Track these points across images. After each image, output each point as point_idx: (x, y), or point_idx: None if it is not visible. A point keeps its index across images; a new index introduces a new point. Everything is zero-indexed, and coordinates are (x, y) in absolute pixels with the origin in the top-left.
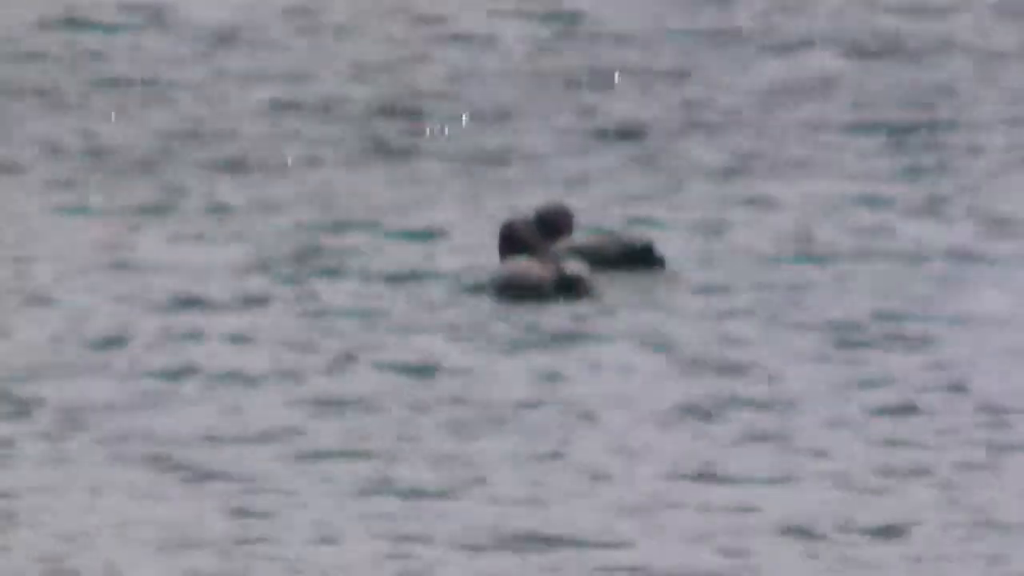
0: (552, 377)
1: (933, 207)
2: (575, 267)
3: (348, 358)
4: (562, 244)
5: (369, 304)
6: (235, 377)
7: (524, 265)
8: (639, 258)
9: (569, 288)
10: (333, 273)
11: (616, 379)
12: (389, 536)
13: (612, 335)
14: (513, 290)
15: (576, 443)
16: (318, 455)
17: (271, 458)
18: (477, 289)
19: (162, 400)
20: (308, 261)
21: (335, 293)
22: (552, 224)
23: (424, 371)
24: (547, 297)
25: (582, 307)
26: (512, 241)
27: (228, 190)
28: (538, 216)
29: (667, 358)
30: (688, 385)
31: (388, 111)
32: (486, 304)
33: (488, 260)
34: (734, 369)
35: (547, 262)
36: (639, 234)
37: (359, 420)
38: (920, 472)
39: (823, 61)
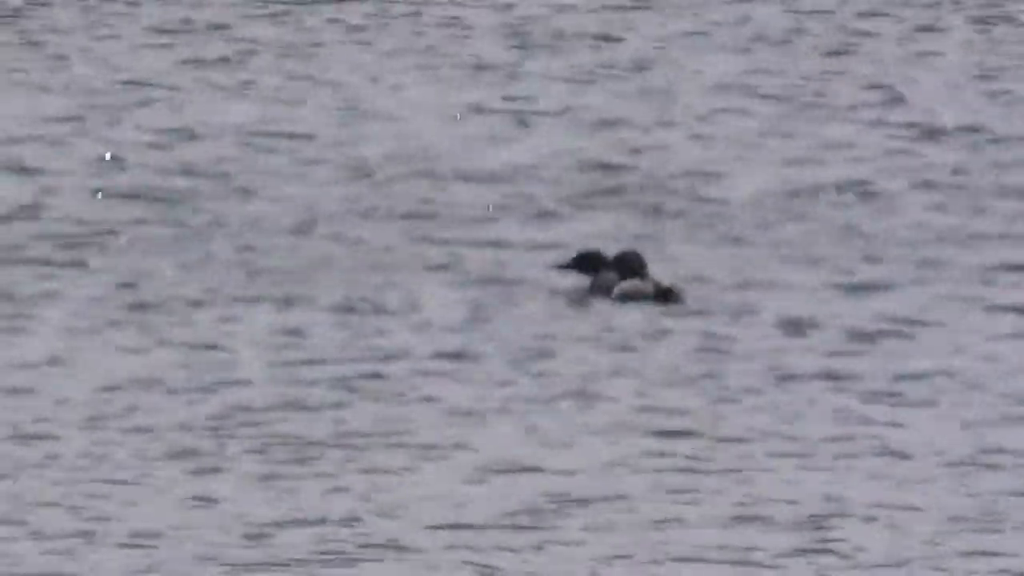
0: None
1: None
2: (669, 283)
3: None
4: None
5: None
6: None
7: (637, 283)
8: (665, 296)
9: (666, 296)
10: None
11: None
12: None
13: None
14: (630, 298)
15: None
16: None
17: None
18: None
19: None
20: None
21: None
22: (628, 265)
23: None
24: (650, 301)
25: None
26: (626, 265)
27: None
28: (618, 257)
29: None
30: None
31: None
32: (614, 309)
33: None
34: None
35: (648, 280)
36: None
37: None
38: None
39: None
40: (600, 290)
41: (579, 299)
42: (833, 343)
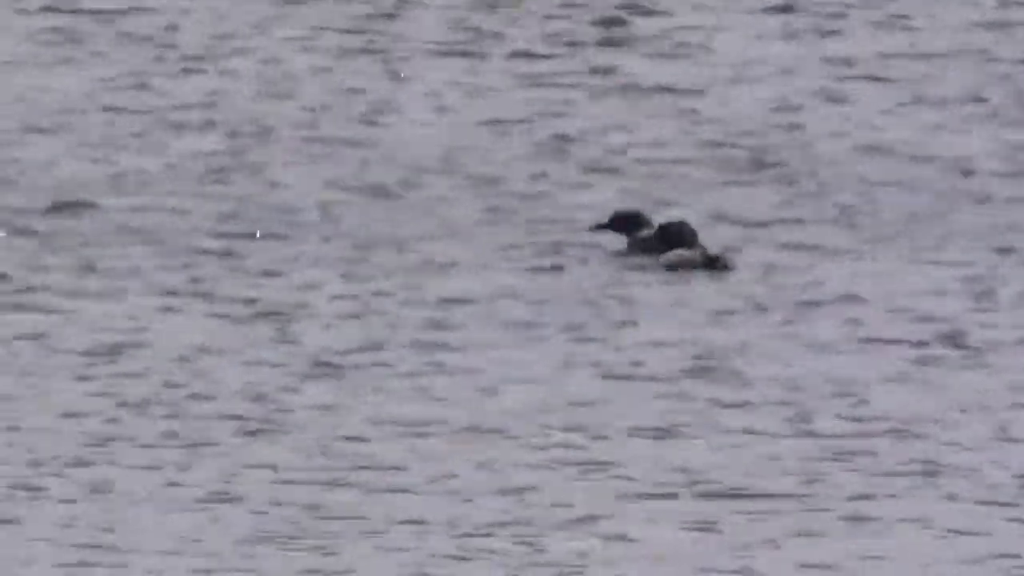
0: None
1: None
2: (716, 251)
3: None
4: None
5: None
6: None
7: (684, 252)
8: (713, 264)
9: (714, 264)
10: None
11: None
12: None
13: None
14: (677, 267)
15: None
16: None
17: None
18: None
19: None
20: None
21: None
22: (673, 235)
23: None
24: (699, 270)
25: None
26: (670, 235)
27: None
28: (663, 227)
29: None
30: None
31: None
32: (661, 276)
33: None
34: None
35: (696, 249)
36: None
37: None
38: None
39: None
40: (637, 249)
41: (631, 263)
42: (912, 314)
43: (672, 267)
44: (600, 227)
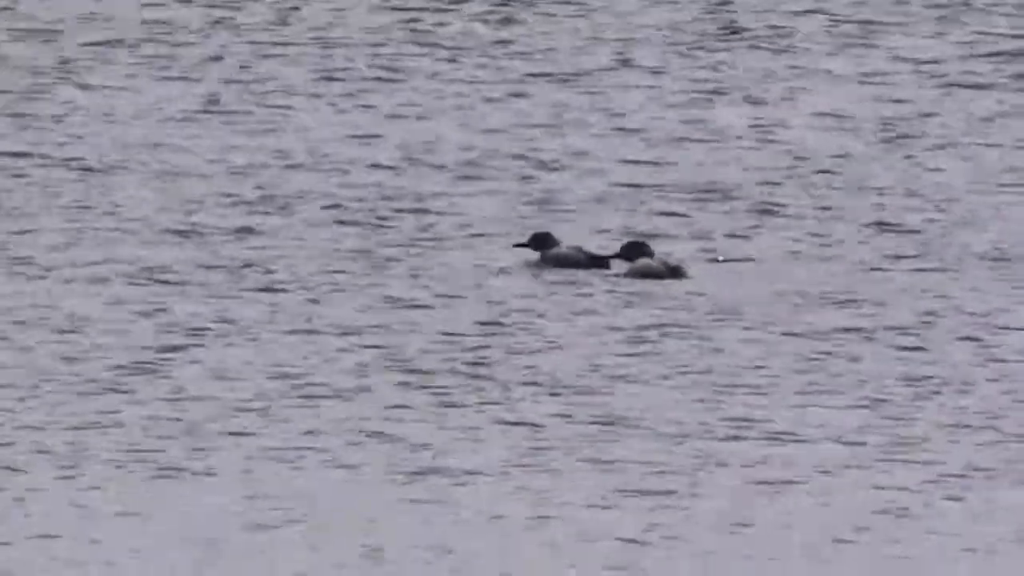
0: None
1: None
2: (677, 261)
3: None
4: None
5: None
6: None
7: (647, 261)
8: (674, 273)
9: (675, 273)
10: None
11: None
12: None
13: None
14: (641, 275)
15: None
16: None
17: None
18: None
19: None
20: None
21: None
22: (637, 249)
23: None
24: (662, 278)
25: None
26: (635, 249)
27: None
28: (628, 244)
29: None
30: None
31: None
32: (626, 282)
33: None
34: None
35: (658, 261)
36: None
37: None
38: None
39: None
40: (549, 261)
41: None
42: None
43: (637, 275)
44: (520, 245)
